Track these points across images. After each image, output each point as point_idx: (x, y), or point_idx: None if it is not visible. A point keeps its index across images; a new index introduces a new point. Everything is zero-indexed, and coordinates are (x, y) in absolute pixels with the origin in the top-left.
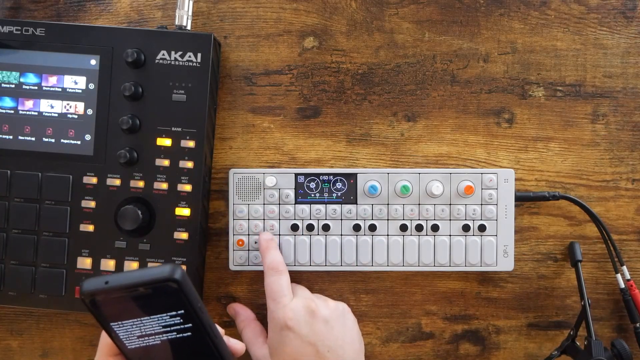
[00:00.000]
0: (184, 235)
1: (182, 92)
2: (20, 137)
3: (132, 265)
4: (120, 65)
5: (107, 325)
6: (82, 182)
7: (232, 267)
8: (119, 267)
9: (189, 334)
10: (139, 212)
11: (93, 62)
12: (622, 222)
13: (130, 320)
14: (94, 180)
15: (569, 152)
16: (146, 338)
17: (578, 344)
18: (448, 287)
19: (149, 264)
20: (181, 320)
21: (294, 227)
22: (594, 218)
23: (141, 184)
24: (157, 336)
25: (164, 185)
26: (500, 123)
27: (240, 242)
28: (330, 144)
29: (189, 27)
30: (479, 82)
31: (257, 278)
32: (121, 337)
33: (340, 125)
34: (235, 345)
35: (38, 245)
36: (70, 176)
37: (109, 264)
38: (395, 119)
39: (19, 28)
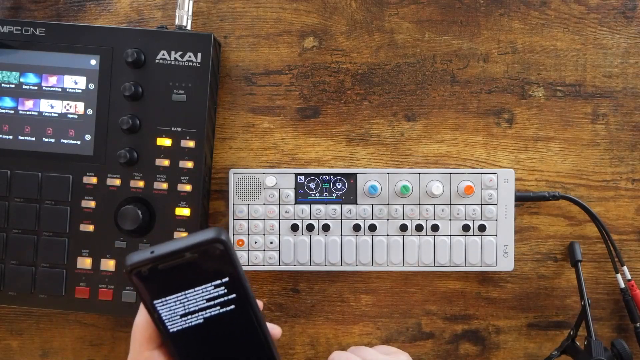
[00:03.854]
0: (184, 235)
1: (182, 92)
2: (20, 137)
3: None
4: (120, 65)
5: (150, 305)
6: (82, 182)
7: None
8: (119, 268)
9: (232, 307)
10: (139, 212)
11: (93, 62)
12: (622, 222)
13: (174, 296)
14: (94, 180)
15: (569, 152)
16: (189, 317)
17: (578, 344)
18: (448, 287)
19: None
20: (225, 291)
21: (294, 227)
22: (593, 218)
23: (141, 184)
24: (200, 313)
25: (164, 185)
26: (500, 123)
27: (240, 242)
28: (330, 144)
29: (189, 27)
30: (479, 82)
31: (257, 278)
32: (164, 317)
33: (340, 125)
34: (273, 329)
35: (38, 245)
36: (70, 176)
37: (109, 264)
38: (395, 119)
39: (19, 28)
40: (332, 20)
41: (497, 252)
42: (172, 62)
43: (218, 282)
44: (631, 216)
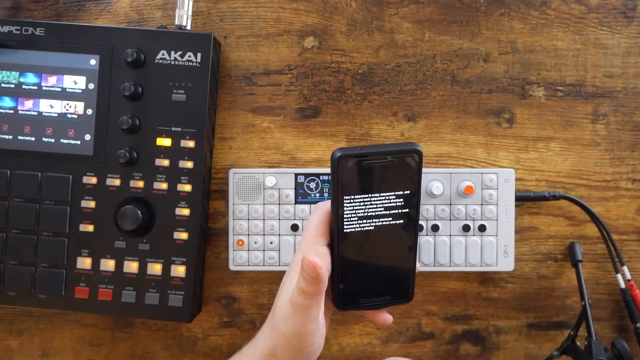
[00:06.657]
0: (184, 235)
1: (182, 92)
2: (20, 137)
3: (132, 265)
4: (120, 65)
5: (339, 200)
6: (81, 182)
7: (232, 267)
8: (119, 268)
9: (401, 221)
10: (139, 212)
11: (93, 62)
12: (623, 222)
13: (362, 196)
14: (94, 180)
15: (569, 152)
16: (364, 221)
17: (578, 344)
18: (448, 287)
19: (150, 264)
20: (402, 203)
21: (294, 227)
22: (594, 218)
23: (141, 184)
24: (374, 220)
25: (164, 185)
26: (500, 123)
27: (240, 242)
28: (330, 144)
29: (188, 27)
30: (479, 82)
31: (257, 278)
32: (345, 215)
33: (340, 125)
34: (386, 317)
35: (38, 245)
36: (70, 176)
37: (108, 264)
38: (395, 119)
39: (19, 28)
40: (332, 20)
41: (498, 252)
42: (172, 62)
43: (401, 192)
44: (631, 216)
